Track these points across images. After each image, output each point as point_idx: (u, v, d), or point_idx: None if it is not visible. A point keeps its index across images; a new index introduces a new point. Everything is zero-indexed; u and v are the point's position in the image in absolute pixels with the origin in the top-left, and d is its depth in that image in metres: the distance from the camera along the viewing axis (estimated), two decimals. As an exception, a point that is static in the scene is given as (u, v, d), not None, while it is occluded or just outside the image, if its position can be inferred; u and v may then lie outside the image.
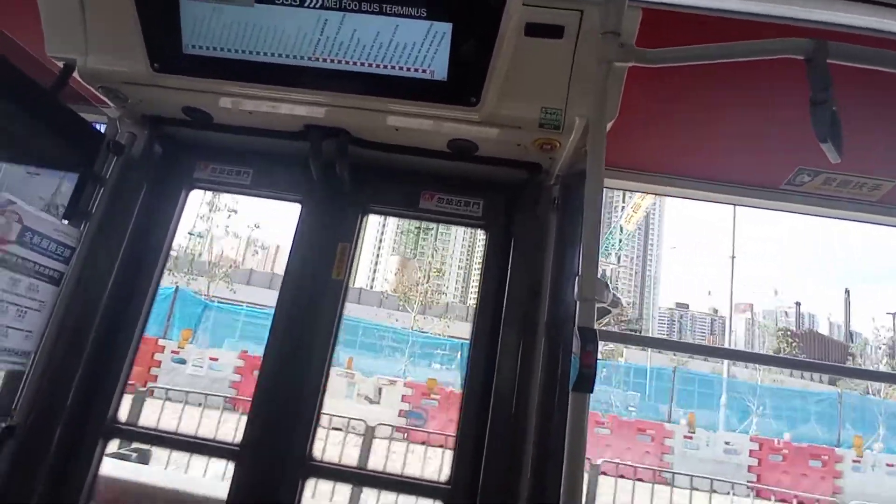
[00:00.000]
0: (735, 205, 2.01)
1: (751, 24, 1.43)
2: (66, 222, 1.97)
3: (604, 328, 1.36)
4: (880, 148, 1.79)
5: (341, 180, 1.94)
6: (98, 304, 1.94)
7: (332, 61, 1.56)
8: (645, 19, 1.45)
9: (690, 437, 12.22)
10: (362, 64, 1.55)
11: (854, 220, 2.00)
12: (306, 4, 1.51)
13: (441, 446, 9.96)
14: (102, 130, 2.14)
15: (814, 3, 1.33)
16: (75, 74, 1.81)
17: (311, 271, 1.97)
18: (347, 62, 1.56)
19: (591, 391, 1.05)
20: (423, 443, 10.14)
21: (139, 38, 1.61)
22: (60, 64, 1.81)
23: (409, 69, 1.54)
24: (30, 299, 1.87)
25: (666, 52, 1.30)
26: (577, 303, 1.12)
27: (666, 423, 13.34)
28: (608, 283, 1.13)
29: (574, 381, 1.04)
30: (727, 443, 12.26)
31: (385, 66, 1.54)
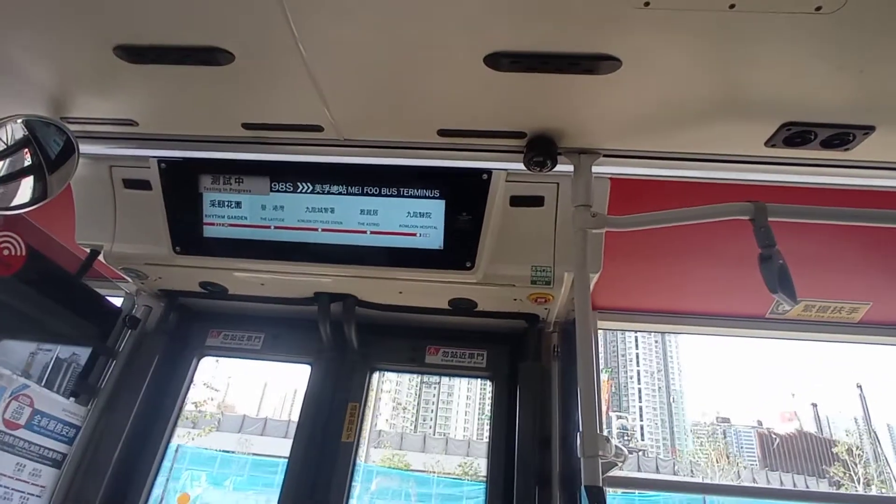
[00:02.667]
0: (727, 336, 2.22)
1: (705, 185, 1.75)
2: (72, 400, 2.12)
3: (616, 474, 1.47)
4: (850, 274, 2.06)
5: (349, 341, 2.16)
6: (99, 485, 2.02)
7: (339, 235, 1.87)
8: (616, 185, 1.78)
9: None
10: (366, 237, 1.86)
11: (841, 342, 2.21)
12: (316, 191, 1.86)
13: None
14: (117, 303, 2.37)
15: (758, 168, 1.64)
16: (100, 257, 2.08)
17: (320, 433, 2.11)
18: (352, 235, 1.86)
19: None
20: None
21: (164, 225, 1.92)
22: (87, 249, 2.09)
23: (408, 241, 1.84)
24: (32, 485, 1.96)
25: (633, 218, 1.58)
26: (581, 460, 1.26)
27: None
28: (609, 438, 1.28)
29: None
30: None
31: (386, 240, 1.85)
